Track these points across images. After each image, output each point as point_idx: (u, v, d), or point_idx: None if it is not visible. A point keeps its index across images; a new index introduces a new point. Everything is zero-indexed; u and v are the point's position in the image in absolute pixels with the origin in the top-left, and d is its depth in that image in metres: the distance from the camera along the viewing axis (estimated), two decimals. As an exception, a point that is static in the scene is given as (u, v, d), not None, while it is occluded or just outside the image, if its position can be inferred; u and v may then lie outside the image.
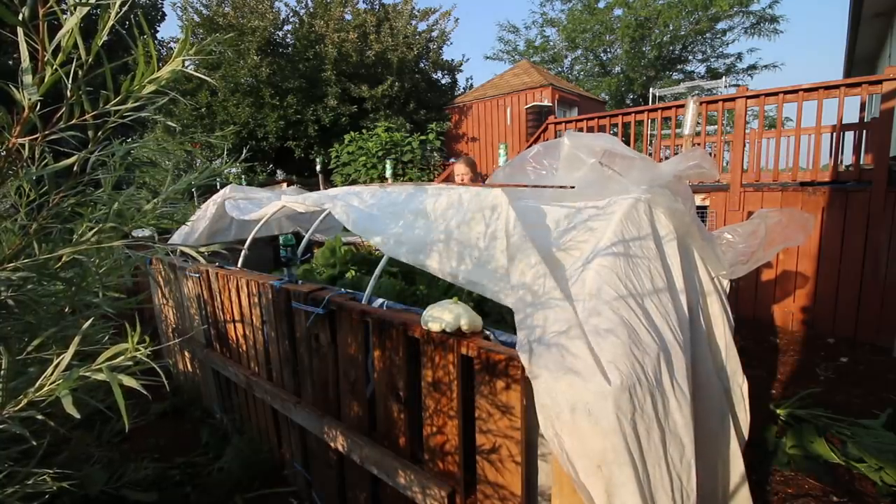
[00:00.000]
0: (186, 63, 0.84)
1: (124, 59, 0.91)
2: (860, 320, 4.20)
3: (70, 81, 0.78)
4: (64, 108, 0.81)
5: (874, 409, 2.90)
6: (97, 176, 0.97)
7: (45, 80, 0.76)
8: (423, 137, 10.65)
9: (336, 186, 10.59)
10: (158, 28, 12.00)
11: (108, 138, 0.92)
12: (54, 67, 0.75)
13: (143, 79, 0.82)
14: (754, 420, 1.91)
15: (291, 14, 12.03)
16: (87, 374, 0.77)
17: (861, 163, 4.75)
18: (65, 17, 0.75)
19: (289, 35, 12.03)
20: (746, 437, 1.85)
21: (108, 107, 0.82)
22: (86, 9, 0.75)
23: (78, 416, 0.71)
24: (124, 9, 0.79)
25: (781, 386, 3.37)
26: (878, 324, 4.07)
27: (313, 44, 11.20)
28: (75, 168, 0.90)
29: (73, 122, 0.82)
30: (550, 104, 10.63)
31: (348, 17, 11.86)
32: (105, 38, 0.78)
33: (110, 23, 0.79)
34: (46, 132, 0.82)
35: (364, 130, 10.72)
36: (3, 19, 0.69)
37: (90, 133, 0.85)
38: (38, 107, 0.80)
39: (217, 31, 10.83)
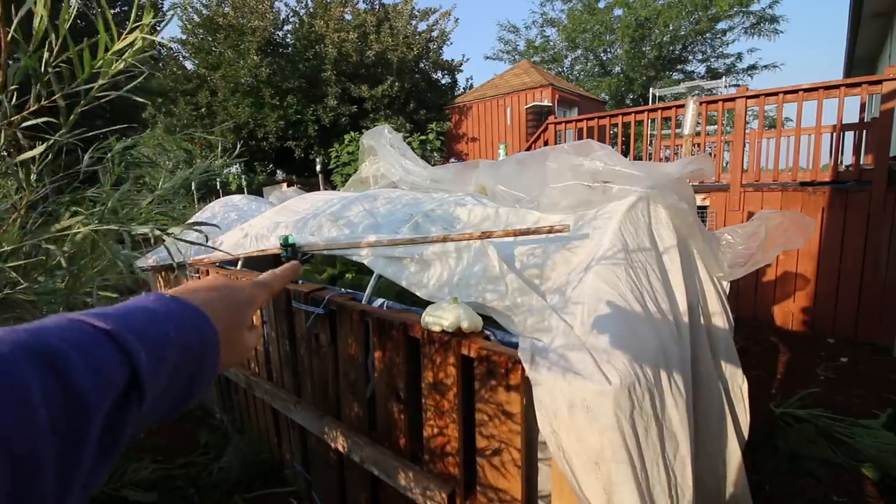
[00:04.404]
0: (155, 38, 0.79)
1: (93, 41, 0.82)
2: (860, 320, 4.20)
3: (42, 68, 0.75)
4: (33, 94, 0.78)
5: (874, 409, 2.90)
6: (94, 168, 0.95)
7: (23, 64, 0.73)
8: (423, 137, 10.65)
9: (336, 186, 10.58)
10: (159, 28, 11.99)
11: (108, 135, 0.91)
12: (28, 54, 0.73)
13: (106, 54, 0.78)
14: (754, 420, 1.91)
15: (291, 14, 12.02)
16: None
17: (861, 163, 4.75)
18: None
19: (289, 35, 12.03)
20: (746, 437, 1.84)
21: (75, 86, 0.77)
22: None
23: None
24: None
25: (781, 386, 3.37)
26: (878, 324, 4.07)
27: (313, 44, 11.20)
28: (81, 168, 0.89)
29: (42, 104, 0.79)
30: (550, 104, 10.64)
31: (348, 17, 11.85)
32: (74, 16, 0.75)
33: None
34: (13, 117, 0.78)
35: (364, 130, 10.70)
36: None
37: (62, 119, 0.81)
38: (14, 97, 0.77)
39: (217, 31, 10.82)
